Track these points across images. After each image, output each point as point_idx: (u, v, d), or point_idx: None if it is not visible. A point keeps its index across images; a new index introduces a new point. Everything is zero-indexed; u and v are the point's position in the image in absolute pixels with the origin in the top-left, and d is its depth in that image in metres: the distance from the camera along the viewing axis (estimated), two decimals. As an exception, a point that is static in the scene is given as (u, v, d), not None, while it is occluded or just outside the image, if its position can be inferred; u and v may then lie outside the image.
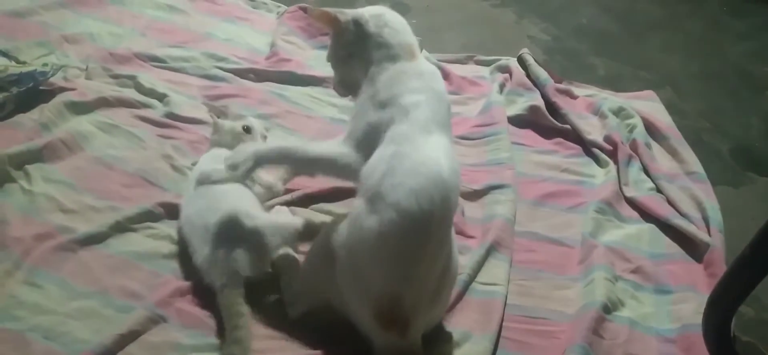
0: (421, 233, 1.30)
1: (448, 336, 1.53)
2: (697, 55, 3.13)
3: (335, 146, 1.48)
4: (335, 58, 1.59)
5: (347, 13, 1.52)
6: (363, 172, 1.39)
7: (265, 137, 1.90)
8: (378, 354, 1.40)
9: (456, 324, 1.56)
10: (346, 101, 2.05)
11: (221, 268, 1.51)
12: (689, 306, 1.68)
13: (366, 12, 1.53)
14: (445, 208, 1.33)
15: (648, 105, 2.50)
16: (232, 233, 1.55)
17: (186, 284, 1.58)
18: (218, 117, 1.91)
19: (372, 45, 1.50)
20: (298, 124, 2.21)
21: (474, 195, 1.97)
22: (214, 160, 1.70)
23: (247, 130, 1.86)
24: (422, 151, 1.35)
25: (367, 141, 1.42)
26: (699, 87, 2.85)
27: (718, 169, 2.26)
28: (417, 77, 1.46)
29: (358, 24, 1.51)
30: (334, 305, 1.46)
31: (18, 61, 2.12)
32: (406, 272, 1.31)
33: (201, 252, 1.55)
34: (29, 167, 1.84)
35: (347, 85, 1.60)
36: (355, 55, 1.53)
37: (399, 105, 1.41)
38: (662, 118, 2.42)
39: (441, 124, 1.42)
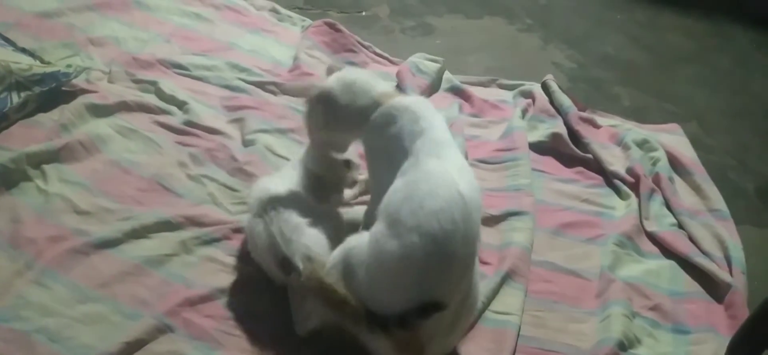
0: (445, 255, 1.28)
1: None
2: (724, 91, 3.08)
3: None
4: (310, 126, 1.66)
5: (316, 90, 1.57)
6: (385, 204, 1.39)
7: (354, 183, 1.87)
8: None
9: (467, 352, 1.53)
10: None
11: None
12: (708, 348, 1.64)
13: (334, 86, 1.57)
14: (468, 227, 1.32)
15: (672, 138, 2.45)
16: None
17: (195, 293, 1.57)
18: None
19: (347, 112, 1.55)
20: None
21: (491, 221, 1.93)
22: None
23: (349, 166, 1.81)
24: (437, 174, 1.36)
25: (387, 183, 1.43)
26: (726, 123, 2.80)
27: (742, 207, 2.21)
28: (403, 113, 1.49)
29: (328, 101, 1.56)
30: (345, 323, 1.43)
31: (42, 61, 2.13)
32: (427, 295, 1.28)
33: None
34: (46, 167, 1.84)
35: (334, 147, 1.69)
36: (334, 126, 1.59)
37: (398, 145, 1.45)
38: (687, 152, 2.37)
39: (443, 143, 1.45)
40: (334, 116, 1.58)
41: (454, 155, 1.44)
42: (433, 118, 1.49)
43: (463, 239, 1.30)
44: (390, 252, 1.29)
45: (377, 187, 1.50)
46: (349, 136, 1.64)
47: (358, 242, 1.40)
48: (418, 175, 1.36)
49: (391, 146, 1.47)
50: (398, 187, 1.38)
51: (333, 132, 1.63)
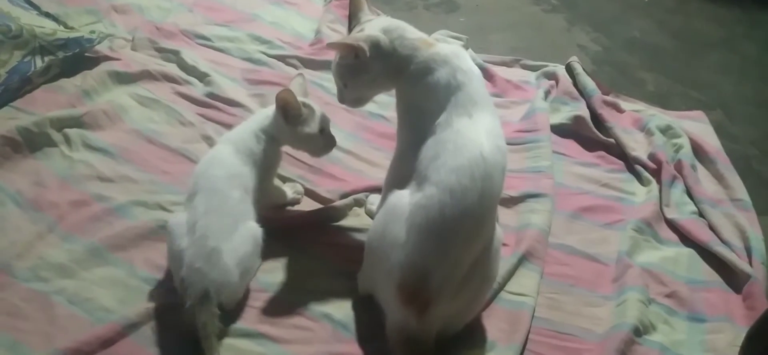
0: (459, 207, 1.33)
1: (472, 344, 1.50)
2: (751, 79, 3.03)
3: (401, 168, 1.49)
4: (356, 81, 1.54)
5: (362, 39, 1.48)
6: (417, 162, 1.42)
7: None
8: (389, 336, 1.41)
9: (481, 332, 1.53)
10: (383, 97, 2.01)
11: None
12: (724, 337, 1.63)
13: (376, 32, 1.49)
14: (486, 186, 1.36)
15: (697, 126, 2.42)
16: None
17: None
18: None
19: (393, 61, 1.49)
20: (336, 116, 2.14)
21: (510, 202, 1.93)
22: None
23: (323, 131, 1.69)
24: (464, 135, 1.39)
25: (419, 137, 1.43)
26: (751, 112, 2.76)
27: (765, 198, 2.18)
28: (442, 65, 1.47)
29: (375, 47, 1.48)
30: (374, 289, 1.48)
31: (66, 27, 2.15)
32: (439, 245, 1.33)
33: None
34: (70, 132, 1.86)
35: (363, 100, 1.63)
36: (379, 75, 1.51)
37: (434, 98, 1.45)
38: (710, 140, 2.34)
39: (477, 102, 1.45)
40: (380, 66, 1.49)
41: (486, 116, 1.44)
42: (471, 73, 1.48)
43: (480, 196, 1.35)
44: (413, 203, 1.36)
45: (405, 143, 1.50)
46: (383, 88, 1.60)
47: (399, 200, 1.41)
48: (448, 135, 1.40)
49: (425, 98, 1.46)
50: (429, 145, 1.41)
51: (371, 83, 1.54)
